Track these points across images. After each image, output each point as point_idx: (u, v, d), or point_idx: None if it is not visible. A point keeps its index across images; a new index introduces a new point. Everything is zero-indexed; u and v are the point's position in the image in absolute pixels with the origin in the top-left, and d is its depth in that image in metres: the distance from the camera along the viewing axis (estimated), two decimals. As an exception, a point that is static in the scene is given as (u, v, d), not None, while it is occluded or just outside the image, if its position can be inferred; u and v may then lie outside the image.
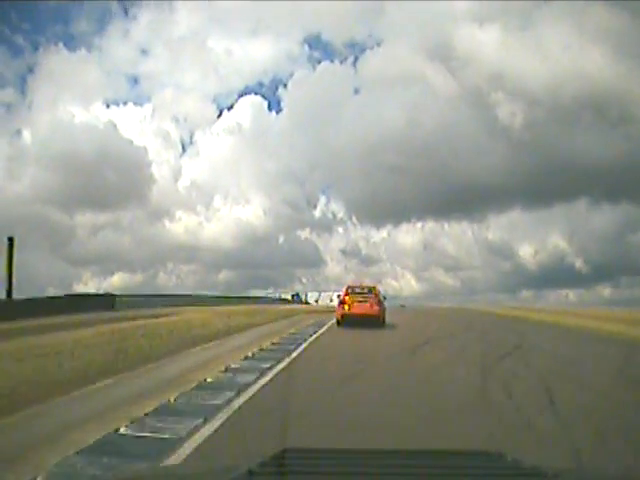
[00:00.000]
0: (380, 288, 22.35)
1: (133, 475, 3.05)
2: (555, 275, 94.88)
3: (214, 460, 4.25)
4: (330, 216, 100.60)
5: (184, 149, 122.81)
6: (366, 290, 20.59)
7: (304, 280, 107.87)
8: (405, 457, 2.14)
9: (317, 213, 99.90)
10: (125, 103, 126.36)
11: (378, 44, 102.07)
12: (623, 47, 73.95)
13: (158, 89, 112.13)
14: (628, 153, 79.61)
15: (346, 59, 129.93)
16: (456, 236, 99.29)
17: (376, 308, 19.51)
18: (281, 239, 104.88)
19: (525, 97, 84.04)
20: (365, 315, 19.26)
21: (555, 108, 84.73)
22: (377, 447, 4.28)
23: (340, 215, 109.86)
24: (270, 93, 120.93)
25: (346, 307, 19.60)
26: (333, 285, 78.36)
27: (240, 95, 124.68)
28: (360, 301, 19.59)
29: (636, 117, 76.01)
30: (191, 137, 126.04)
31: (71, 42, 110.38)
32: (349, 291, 20.40)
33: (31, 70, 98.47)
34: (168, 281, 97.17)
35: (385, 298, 34.86)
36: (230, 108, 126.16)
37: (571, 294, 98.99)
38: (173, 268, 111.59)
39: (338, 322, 19.76)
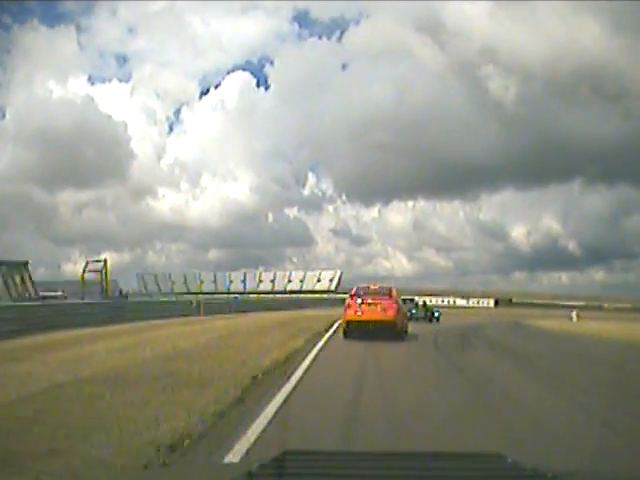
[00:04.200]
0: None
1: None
2: (548, 257, 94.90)
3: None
4: (319, 194, 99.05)
5: (170, 127, 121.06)
6: (380, 291, 16.48)
7: (294, 259, 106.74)
8: (405, 459, 2.15)
9: (306, 191, 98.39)
10: (109, 80, 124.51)
11: (366, 18, 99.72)
12: (622, 20, 74.48)
13: (143, 66, 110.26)
14: (626, 130, 79.11)
15: (334, 35, 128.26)
16: (448, 216, 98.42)
17: (391, 313, 15.44)
18: (270, 217, 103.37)
19: (519, 71, 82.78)
20: (377, 322, 15.32)
21: (550, 82, 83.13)
22: (377, 449, 4.29)
23: (329, 193, 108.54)
24: (259, 70, 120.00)
25: (352, 312, 15.66)
26: (323, 264, 76.97)
27: (228, 72, 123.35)
28: (370, 304, 15.57)
29: (635, 92, 77.87)
30: (177, 114, 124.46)
31: (50, 19, 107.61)
32: (358, 292, 16.39)
33: (8, 49, 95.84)
34: (158, 260, 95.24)
35: (418, 305, 31.76)
36: (218, 86, 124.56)
37: (564, 277, 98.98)
38: (162, 247, 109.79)
39: (345, 333, 15.79)
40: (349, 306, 15.76)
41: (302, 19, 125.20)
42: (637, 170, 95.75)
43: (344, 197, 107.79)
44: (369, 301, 15.61)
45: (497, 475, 1.83)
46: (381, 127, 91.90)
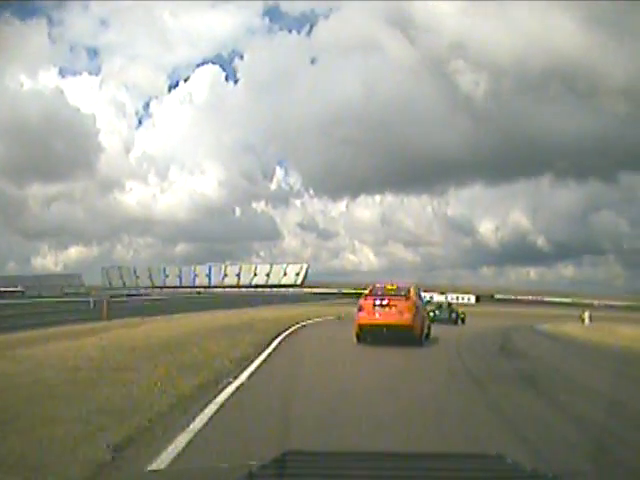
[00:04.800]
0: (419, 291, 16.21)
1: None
2: (516, 252, 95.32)
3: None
4: (287, 188, 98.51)
5: (139, 120, 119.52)
6: (397, 291, 14.80)
7: (262, 254, 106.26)
8: (405, 460, 2.14)
9: (273, 185, 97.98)
10: (79, 73, 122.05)
11: (336, 12, 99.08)
12: (595, 17, 75.61)
13: (113, 60, 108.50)
14: (597, 127, 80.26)
15: (303, 29, 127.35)
16: (415, 211, 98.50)
17: (408, 316, 13.81)
18: (238, 212, 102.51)
19: (489, 66, 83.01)
20: (392, 326, 13.82)
21: (521, 78, 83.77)
22: (377, 450, 4.21)
23: (297, 187, 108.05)
24: (228, 64, 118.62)
25: (365, 315, 14.20)
26: (290, 258, 76.78)
27: (198, 66, 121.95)
28: (385, 305, 14.07)
29: (606, 89, 77.97)
30: (147, 108, 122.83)
31: (22, 13, 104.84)
32: (371, 292, 14.93)
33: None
34: (126, 254, 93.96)
35: (442, 305, 29.65)
36: (187, 79, 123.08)
37: (532, 272, 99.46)
38: (130, 241, 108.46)
39: (357, 337, 14.33)
40: (361, 308, 14.35)
41: (273, 13, 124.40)
42: (607, 166, 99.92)
43: (311, 191, 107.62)
44: (384, 302, 14.13)
45: (497, 476, 1.84)
46: (350, 122, 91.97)
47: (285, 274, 70.22)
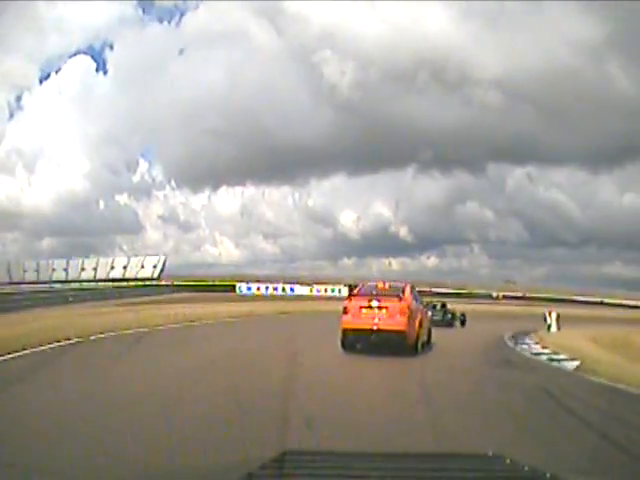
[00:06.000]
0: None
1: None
2: (378, 243, 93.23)
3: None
4: (149, 180, 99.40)
5: (11, 112, 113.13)
6: (388, 290, 12.99)
7: (124, 247, 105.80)
8: (405, 459, 2.15)
9: (136, 177, 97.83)
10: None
11: (205, 1, 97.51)
12: (465, 7, 76.57)
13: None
14: (465, 117, 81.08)
15: (173, 20, 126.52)
16: (276, 202, 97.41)
17: (400, 319, 12.02)
18: (101, 205, 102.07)
19: (356, 56, 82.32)
20: (381, 331, 12.09)
21: (389, 68, 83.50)
22: (377, 450, 4.24)
23: (159, 179, 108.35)
24: (99, 55, 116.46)
25: (350, 318, 12.42)
26: (152, 251, 77.51)
27: (70, 57, 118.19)
28: (374, 307, 12.32)
29: (476, 80, 78.85)
30: (19, 100, 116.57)
31: None
32: (361, 292, 13.22)
33: None
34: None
35: (436, 307, 26.71)
36: (58, 70, 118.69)
37: (394, 262, 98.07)
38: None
39: (342, 344, 12.53)
40: (346, 310, 12.55)
41: (146, 3, 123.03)
42: (472, 157, 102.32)
43: (173, 183, 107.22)
44: (373, 304, 12.34)
45: (496, 475, 1.86)
46: (213, 112, 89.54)
47: (142, 267, 72.43)
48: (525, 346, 16.20)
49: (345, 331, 12.44)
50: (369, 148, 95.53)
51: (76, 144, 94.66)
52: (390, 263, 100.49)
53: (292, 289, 65.52)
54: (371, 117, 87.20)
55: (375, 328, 12.07)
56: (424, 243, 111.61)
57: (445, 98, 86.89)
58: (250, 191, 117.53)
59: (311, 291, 64.03)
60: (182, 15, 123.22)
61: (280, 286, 66.07)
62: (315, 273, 73.34)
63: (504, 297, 59.68)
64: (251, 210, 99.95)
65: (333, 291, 62.59)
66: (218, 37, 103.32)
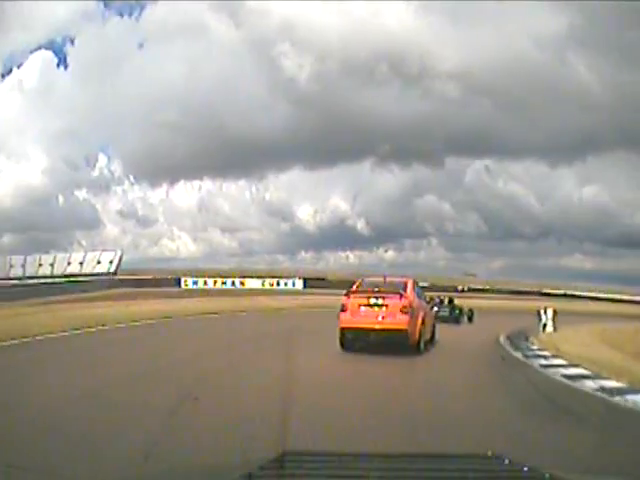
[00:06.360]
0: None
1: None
2: (335, 236, 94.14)
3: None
4: (108, 175, 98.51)
5: None
6: (389, 286, 12.32)
7: (83, 242, 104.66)
8: (404, 460, 2.14)
9: (95, 172, 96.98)
10: None
11: None
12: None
13: None
14: (423, 110, 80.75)
15: (134, 13, 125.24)
16: (234, 196, 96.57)
17: (402, 318, 11.49)
18: (61, 200, 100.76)
19: (315, 49, 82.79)
20: (381, 330, 11.56)
21: (347, 61, 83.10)
22: (376, 450, 4.21)
23: (118, 174, 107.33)
24: (61, 50, 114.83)
25: (348, 316, 11.88)
26: (111, 246, 77.02)
27: (32, 52, 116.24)
28: (374, 305, 11.77)
29: (435, 72, 78.39)
30: None
31: None
32: (358, 288, 12.55)
33: None
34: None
35: (443, 302, 26.41)
36: (20, 65, 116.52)
37: (352, 256, 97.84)
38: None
39: (341, 343, 12.02)
40: (345, 307, 11.98)
41: None
42: (431, 150, 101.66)
43: (132, 178, 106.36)
44: (372, 301, 11.78)
45: (496, 476, 1.87)
46: (171, 106, 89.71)
47: (99, 262, 72.07)
48: (543, 360, 11.51)
49: (343, 330, 11.89)
50: (327, 141, 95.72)
51: (36, 139, 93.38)
52: (348, 256, 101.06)
53: (243, 283, 63.69)
54: (329, 110, 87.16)
55: (375, 327, 11.56)
56: (382, 236, 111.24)
57: (404, 91, 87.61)
58: (207, 185, 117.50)
59: (264, 285, 62.40)
60: (142, 9, 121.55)
61: (230, 280, 64.21)
62: (273, 267, 73.43)
63: (469, 290, 59.21)
64: (208, 204, 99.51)
65: (287, 285, 61.69)
66: (177, 31, 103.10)
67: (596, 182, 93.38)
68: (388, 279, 12.83)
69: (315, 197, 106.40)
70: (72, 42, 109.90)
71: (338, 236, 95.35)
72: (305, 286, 61.24)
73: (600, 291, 60.81)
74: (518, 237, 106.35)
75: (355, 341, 11.88)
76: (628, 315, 35.32)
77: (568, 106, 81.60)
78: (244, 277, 65.25)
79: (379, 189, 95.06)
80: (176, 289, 57.77)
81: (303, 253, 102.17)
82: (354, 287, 12.57)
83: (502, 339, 16.07)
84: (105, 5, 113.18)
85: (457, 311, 26.14)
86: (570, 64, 79.58)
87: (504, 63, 77.39)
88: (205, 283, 63.62)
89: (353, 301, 11.96)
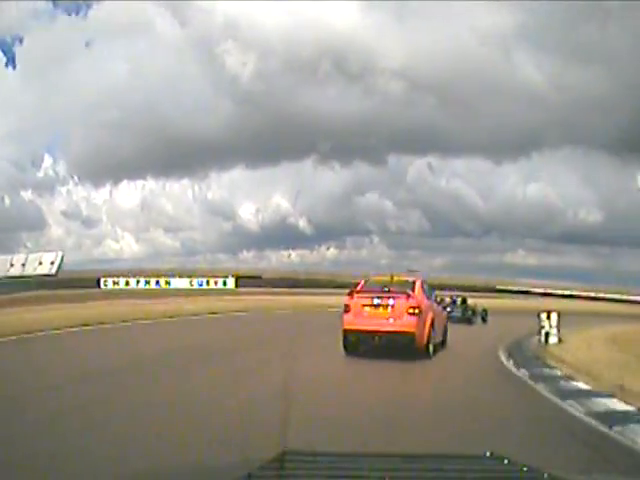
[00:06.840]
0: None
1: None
2: (277, 235, 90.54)
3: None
4: (53, 176, 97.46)
5: None
6: (396, 286, 11.62)
7: (28, 244, 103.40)
8: (404, 460, 2.09)
9: (41, 173, 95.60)
10: None
11: None
12: None
13: None
14: (366, 108, 78.44)
15: (82, 12, 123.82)
16: (176, 195, 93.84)
17: (409, 320, 10.86)
18: (7, 201, 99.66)
19: (258, 46, 79.92)
20: (386, 333, 11.04)
21: (290, 59, 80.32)
22: (377, 450, 4.17)
23: (62, 174, 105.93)
24: (10, 49, 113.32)
25: (351, 318, 11.30)
26: (55, 248, 76.50)
27: None
28: (379, 305, 11.11)
29: (379, 69, 77.01)
30: None
31: None
32: (362, 288, 11.89)
33: None
34: None
35: (457, 302, 25.79)
36: None
37: (294, 254, 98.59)
38: None
39: (345, 346, 11.46)
40: (347, 309, 11.36)
41: None
42: (373, 148, 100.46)
43: (76, 178, 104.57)
44: (376, 301, 11.12)
45: (495, 476, 1.85)
46: (114, 105, 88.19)
47: (41, 263, 71.21)
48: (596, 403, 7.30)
49: (346, 332, 11.29)
50: (269, 140, 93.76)
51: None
52: (290, 255, 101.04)
53: (168, 282, 60.65)
54: (272, 108, 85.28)
55: (380, 329, 10.95)
56: (324, 234, 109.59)
57: (347, 89, 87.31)
58: (150, 185, 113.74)
59: (191, 284, 59.37)
60: (89, 7, 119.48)
61: (153, 280, 61.56)
62: (214, 266, 70.86)
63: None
64: (151, 204, 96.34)
65: (217, 284, 59.02)
66: (122, 29, 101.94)
67: (540, 179, 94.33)
68: (395, 278, 12.15)
69: (257, 196, 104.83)
70: (21, 42, 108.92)
71: (280, 235, 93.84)
72: (237, 285, 58.62)
73: (546, 287, 60.92)
74: (461, 234, 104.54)
75: (358, 344, 11.37)
76: (597, 313, 33.82)
77: (514, 104, 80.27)
78: (173, 277, 63.13)
79: (321, 187, 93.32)
80: (95, 290, 55.13)
81: (245, 252, 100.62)
82: (358, 287, 11.91)
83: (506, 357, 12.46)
84: (54, 4, 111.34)
85: (470, 312, 25.44)
86: (516, 62, 78.46)
87: (449, 61, 76.01)
88: (127, 283, 61.36)
89: (357, 301, 11.32)
